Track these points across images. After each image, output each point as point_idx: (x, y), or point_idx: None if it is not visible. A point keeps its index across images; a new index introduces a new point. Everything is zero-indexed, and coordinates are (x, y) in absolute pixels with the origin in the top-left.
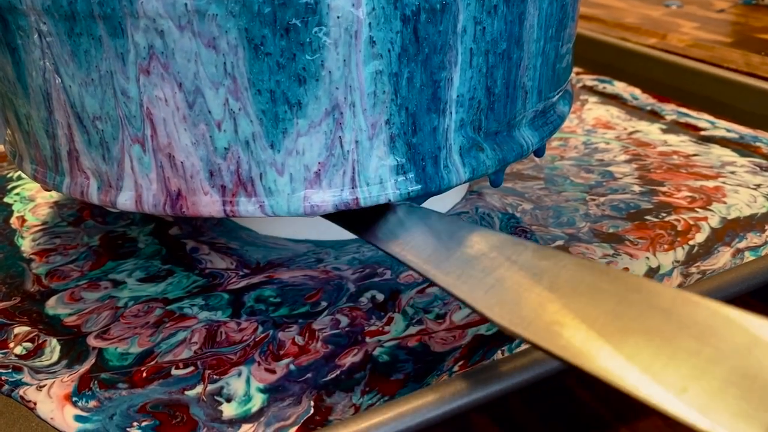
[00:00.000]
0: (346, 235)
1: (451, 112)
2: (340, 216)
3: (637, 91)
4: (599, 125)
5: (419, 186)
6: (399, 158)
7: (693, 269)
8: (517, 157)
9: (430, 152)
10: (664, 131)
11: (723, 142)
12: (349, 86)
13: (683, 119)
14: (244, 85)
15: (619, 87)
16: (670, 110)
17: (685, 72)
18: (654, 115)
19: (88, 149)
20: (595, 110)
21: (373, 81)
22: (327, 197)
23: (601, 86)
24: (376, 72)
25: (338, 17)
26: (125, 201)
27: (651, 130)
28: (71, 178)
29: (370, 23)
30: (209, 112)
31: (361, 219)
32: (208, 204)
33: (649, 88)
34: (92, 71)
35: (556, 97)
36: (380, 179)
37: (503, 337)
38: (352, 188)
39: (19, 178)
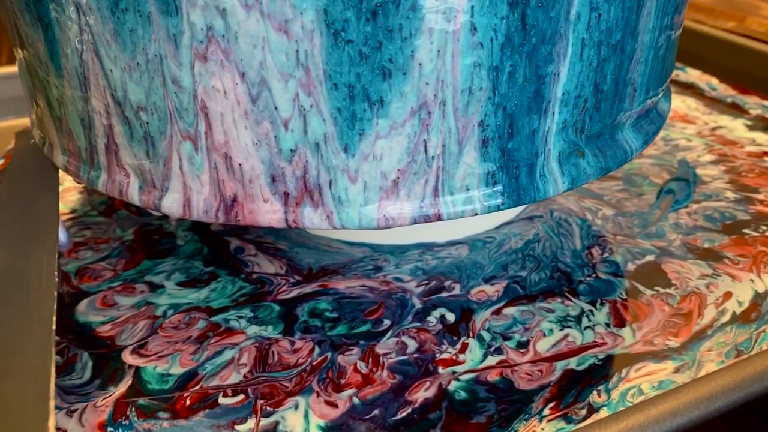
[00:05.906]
0: (406, 239)
1: (554, 113)
2: None
3: (714, 81)
4: (676, 118)
5: (511, 199)
6: (490, 166)
7: None
8: (620, 164)
9: (525, 159)
10: (750, 128)
11: None
12: (441, 81)
13: None
14: (319, 77)
15: (694, 75)
16: (754, 104)
17: None
18: (736, 109)
19: (130, 143)
20: None
21: (469, 75)
22: (405, 209)
23: (673, 73)
24: (474, 65)
25: None
26: (171, 204)
27: (735, 127)
28: (108, 174)
29: (472, 6)
30: (275, 108)
31: None
32: (267, 212)
33: (727, 77)
34: (138, 54)
35: (661, 93)
36: (467, 189)
37: (596, 374)
38: (434, 199)
39: None
